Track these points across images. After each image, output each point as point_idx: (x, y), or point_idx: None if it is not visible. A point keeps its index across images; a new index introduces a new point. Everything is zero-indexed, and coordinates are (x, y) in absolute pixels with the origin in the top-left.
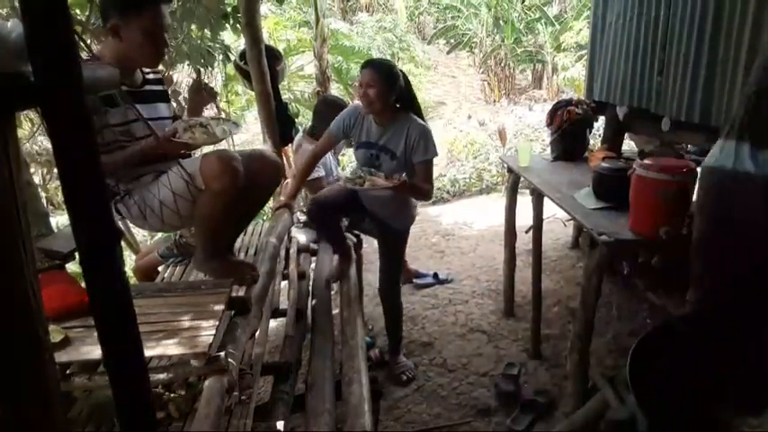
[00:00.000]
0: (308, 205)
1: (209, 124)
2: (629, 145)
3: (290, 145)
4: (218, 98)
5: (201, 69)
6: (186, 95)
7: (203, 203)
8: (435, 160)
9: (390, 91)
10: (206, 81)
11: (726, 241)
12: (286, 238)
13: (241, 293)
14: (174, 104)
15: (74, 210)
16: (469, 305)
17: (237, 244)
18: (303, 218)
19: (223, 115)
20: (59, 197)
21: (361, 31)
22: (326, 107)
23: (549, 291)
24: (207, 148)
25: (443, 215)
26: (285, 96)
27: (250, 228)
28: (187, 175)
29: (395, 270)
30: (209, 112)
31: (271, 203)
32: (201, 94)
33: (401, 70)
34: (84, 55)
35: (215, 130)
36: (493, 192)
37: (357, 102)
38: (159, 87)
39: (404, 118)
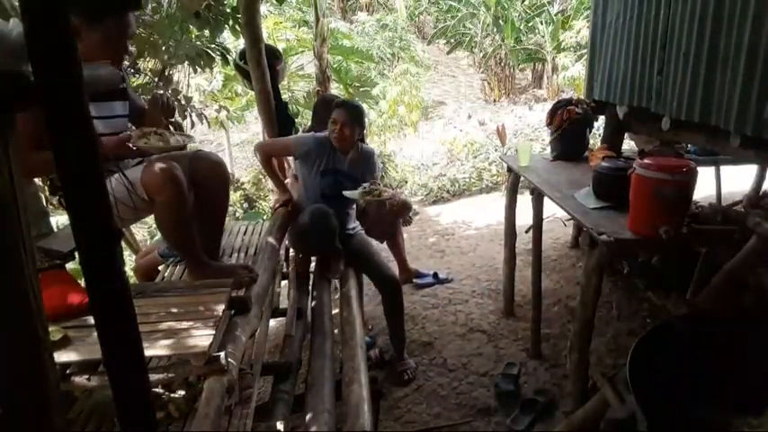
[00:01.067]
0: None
1: (165, 133)
2: (628, 144)
3: None
4: (176, 113)
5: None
6: (185, 95)
7: (159, 219)
8: (435, 159)
9: (359, 130)
10: (168, 95)
11: None
12: (286, 237)
13: (241, 293)
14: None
15: (74, 210)
16: (469, 305)
17: (237, 244)
18: None
19: (180, 133)
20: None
21: (361, 31)
22: (326, 107)
23: (549, 290)
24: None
25: (443, 215)
26: (285, 96)
27: (250, 227)
28: (128, 183)
29: (385, 264)
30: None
31: (269, 203)
32: (158, 107)
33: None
34: None
35: (169, 139)
36: (493, 191)
37: (322, 134)
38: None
39: (359, 147)
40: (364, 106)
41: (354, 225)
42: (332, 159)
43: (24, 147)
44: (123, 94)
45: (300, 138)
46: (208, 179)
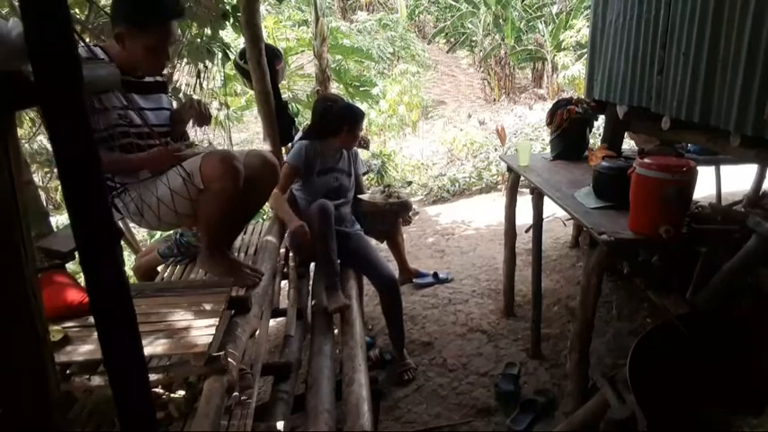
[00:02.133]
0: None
1: (196, 144)
2: (628, 144)
3: (289, 144)
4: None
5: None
6: (184, 93)
7: (205, 203)
8: (435, 159)
9: None
10: (204, 103)
11: None
12: (286, 236)
13: (241, 293)
14: (174, 102)
15: (74, 209)
16: (469, 305)
17: (237, 243)
18: None
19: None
20: (59, 197)
21: (362, 29)
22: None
23: (549, 290)
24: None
25: (443, 214)
26: (285, 95)
27: (250, 227)
28: (185, 173)
29: (383, 264)
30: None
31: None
32: (192, 112)
33: None
34: (98, 52)
35: (201, 147)
36: (493, 191)
37: (306, 142)
38: (159, 78)
39: None
40: (364, 106)
41: (353, 224)
42: (325, 159)
43: None
44: (165, 88)
45: (292, 156)
46: (257, 177)
